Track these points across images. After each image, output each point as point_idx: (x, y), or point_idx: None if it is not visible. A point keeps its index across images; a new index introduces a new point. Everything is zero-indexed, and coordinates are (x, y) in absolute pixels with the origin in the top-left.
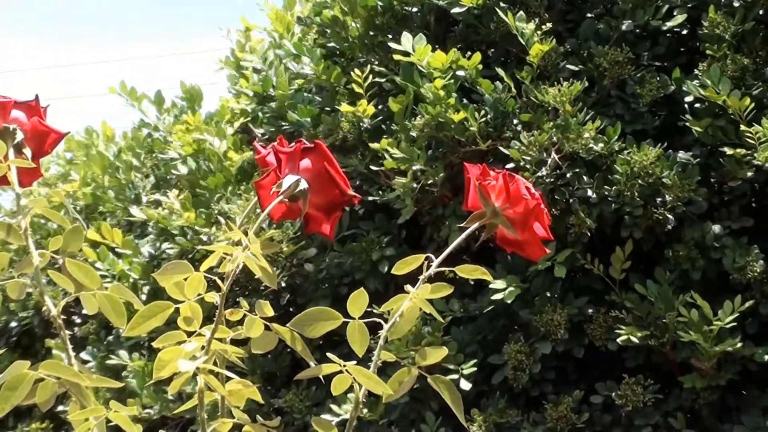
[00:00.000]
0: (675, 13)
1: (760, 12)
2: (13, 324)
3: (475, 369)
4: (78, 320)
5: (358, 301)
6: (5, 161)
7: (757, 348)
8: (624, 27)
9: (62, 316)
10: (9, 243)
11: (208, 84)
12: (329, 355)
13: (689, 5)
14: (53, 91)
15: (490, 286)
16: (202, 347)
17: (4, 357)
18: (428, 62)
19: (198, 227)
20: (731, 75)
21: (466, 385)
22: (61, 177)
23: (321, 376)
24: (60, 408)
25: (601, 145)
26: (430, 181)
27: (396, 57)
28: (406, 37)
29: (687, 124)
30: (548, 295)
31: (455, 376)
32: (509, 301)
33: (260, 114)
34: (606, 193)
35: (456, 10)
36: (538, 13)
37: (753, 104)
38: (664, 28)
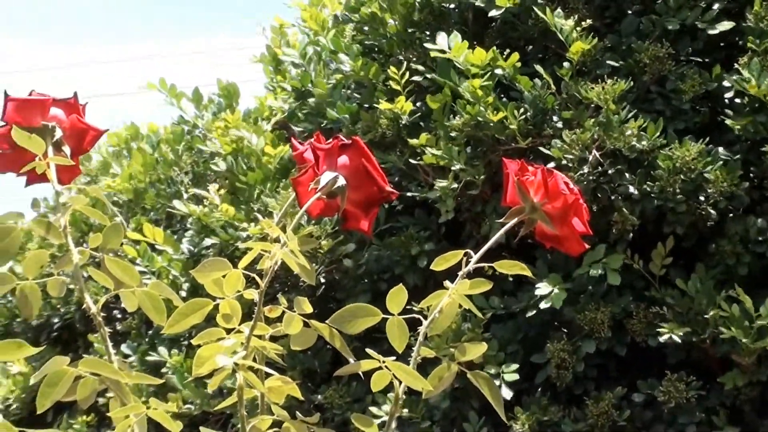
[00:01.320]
0: (715, 7)
1: None
2: (55, 319)
3: (517, 376)
4: (119, 315)
5: (398, 297)
6: (44, 159)
7: None
8: (670, 26)
9: (102, 313)
10: (49, 240)
11: (242, 82)
12: (368, 351)
13: (727, 1)
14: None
15: (536, 291)
16: (241, 344)
17: (45, 352)
18: (465, 59)
19: (237, 222)
20: None
21: (507, 394)
22: (102, 169)
23: (361, 373)
24: (101, 401)
25: (643, 142)
26: (470, 180)
27: (433, 54)
28: (442, 36)
29: (727, 121)
30: (591, 292)
31: (496, 382)
32: (558, 307)
33: (298, 113)
34: (648, 189)
35: (493, 12)
36: (577, 9)
37: None
38: (710, 30)
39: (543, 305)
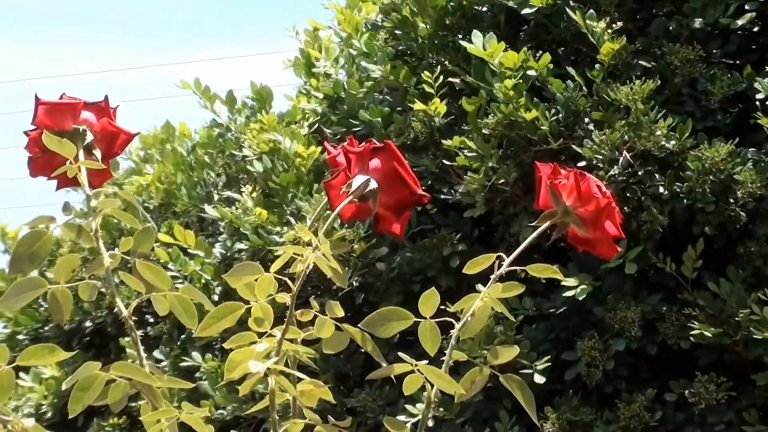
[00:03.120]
0: (747, 7)
1: None
2: (87, 324)
3: (549, 364)
4: (151, 319)
5: (430, 300)
6: (75, 162)
7: None
8: (696, 25)
9: (134, 317)
10: (80, 244)
11: (274, 85)
12: (401, 354)
13: (761, 0)
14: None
15: (563, 283)
16: (274, 348)
17: (77, 357)
18: (499, 61)
19: (270, 226)
20: None
21: (540, 379)
22: (134, 172)
23: (393, 376)
24: (133, 405)
25: (673, 142)
26: (501, 180)
27: (471, 51)
28: (477, 36)
29: (759, 121)
30: (621, 292)
31: (529, 371)
32: (581, 299)
33: (331, 116)
34: (678, 190)
35: (526, 11)
36: (609, 12)
37: None
38: (735, 26)
39: (567, 294)
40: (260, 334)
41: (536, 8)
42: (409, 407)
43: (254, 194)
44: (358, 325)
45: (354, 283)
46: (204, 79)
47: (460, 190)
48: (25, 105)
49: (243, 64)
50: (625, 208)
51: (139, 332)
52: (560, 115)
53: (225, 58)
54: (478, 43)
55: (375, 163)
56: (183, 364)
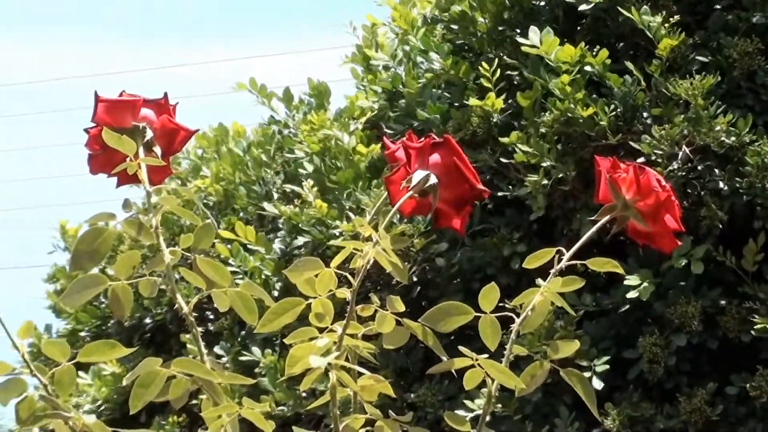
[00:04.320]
0: None
1: None
2: (147, 320)
3: (607, 367)
4: (211, 316)
5: (490, 295)
6: (135, 159)
7: None
8: (755, 20)
9: (194, 313)
10: (140, 241)
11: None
12: (461, 348)
13: None
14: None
15: (625, 282)
16: (334, 343)
17: (137, 353)
18: (556, 56)
19: (329, 220)
20: None
21: (598, 384)
22: (192, 172)
23: (454, 371)
24: (194, 401)
25: (732, 138)
26: (560, 177)
27: (524, 49)
28: (534, 31)
29: None
30: (681, 287)
31: (588, 374)
32: (645, 298)
33: (389, 112)
34: (737, 185)
35: (583, 6)
36: (667, 6)
37: None
38: None
39: (630, 295)
40: (321, 330)
41: (593, 3)
42: (468, 402)
43: (315, 189)
44: (419, 320)
45: (413, 278)
46: (262, 76)
47: (521, 195)
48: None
49: (287, 62)
50: (685, 203)
51: (200, 328)
52: (618, 111)
53: (268, 56)
54: (534, 39)
55: (435, 158)
56: (243, 358)
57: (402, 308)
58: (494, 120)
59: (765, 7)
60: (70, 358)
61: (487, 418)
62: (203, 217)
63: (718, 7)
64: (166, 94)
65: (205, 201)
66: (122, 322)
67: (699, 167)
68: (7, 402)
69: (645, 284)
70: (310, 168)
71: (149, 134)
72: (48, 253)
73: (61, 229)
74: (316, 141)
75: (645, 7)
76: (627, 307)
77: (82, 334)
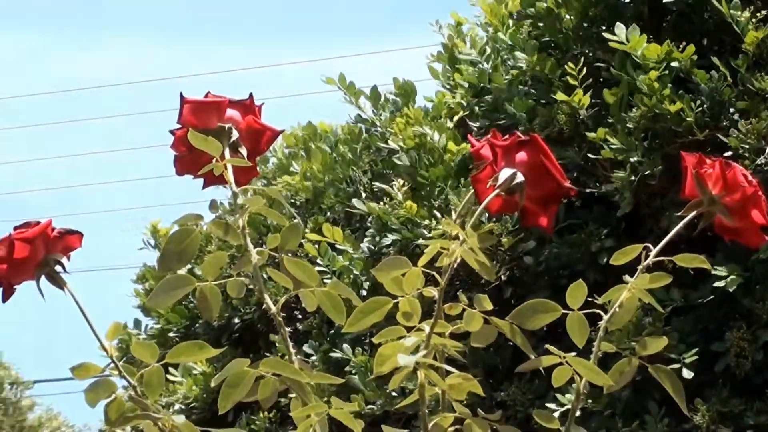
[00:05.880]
0: None
1: None
2: (235, 320)
3: (696, 357)
4: (299, 315)
5: (577, 292)
6: (221, 160)
7: None
8: None
9: (283, 313)
10: (228, 241)
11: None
12: (548, 346)
13: None
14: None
15: (713, 272)
16: (422, 342)
17: (226, 353)
18: (643, 53)
19: (419, 219)
20: None
21: (688, 374)
22: (279, 170)
23: (542, 368)
24: (283, 400)
25: None
26: (647, 173)
27: (612, 45)
28: (620, 28)
29: None
30: None
31: (677, 366)
32: (731, 290)
33: (476, 108)
34: None
35: (668, 1)
36: (753, 0)
37: None
38: None
39: (716, 284)
40: (408, 329)
41: None
42: (558, 396)
43: (404, 188)
44: (507, 318)
45: (502, 276)
46: (347, 76)
47: (608, 191)
48: (169, 104)
49: (385, 60)
50: None
51: (288, 328)
52: (705, 106)
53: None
54: (620, 35)
55: (521, 156)
56: (334, 355)
57: (489, 306)
58: (581, 116)
59: None
60: (158, 359)
61: (577, 414)
62: (290, 216)
63: None
64: (251, 95)
65: (292, 200)
66: (210, 322)
67: None
68: (96, 403)
69: (732, 276)
70: (406, 161)
71: (235, 135)
72: (138, 249)
73: (152, 229)
74: (411, 136)
75: (735, 0)
76: (714, 301)
77: (171, 334)
